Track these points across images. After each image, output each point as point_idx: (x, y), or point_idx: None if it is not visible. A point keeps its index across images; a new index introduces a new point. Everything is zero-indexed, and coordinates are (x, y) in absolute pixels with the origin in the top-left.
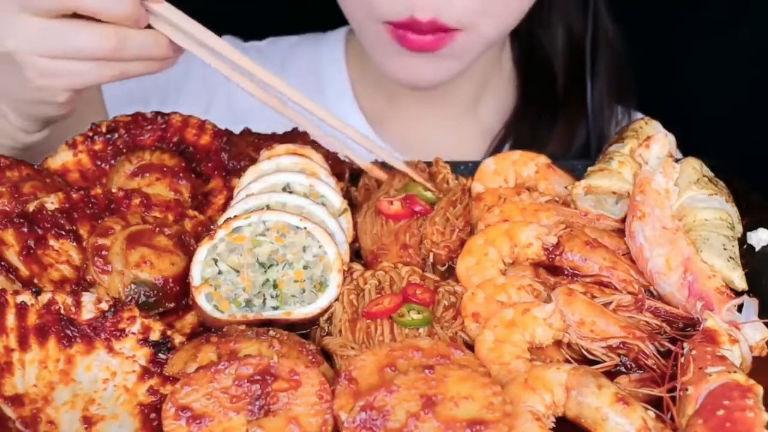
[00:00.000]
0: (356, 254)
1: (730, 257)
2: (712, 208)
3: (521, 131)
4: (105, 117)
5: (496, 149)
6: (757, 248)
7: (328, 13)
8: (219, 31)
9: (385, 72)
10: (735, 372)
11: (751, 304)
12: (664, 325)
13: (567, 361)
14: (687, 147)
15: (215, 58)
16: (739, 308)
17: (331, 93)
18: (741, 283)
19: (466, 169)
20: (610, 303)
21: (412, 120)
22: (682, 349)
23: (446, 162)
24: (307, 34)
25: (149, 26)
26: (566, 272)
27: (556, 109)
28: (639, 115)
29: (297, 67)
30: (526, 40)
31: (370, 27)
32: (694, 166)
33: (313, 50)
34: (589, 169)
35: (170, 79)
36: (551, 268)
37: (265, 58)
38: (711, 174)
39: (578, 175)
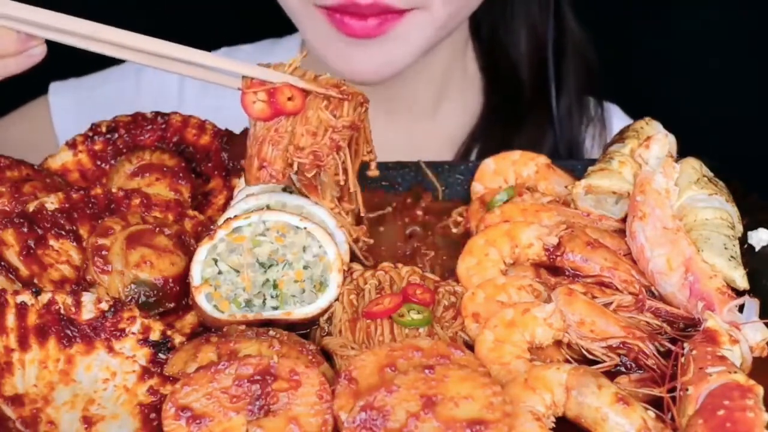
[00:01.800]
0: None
1: (731, 256)
2: (712, 208)
3: (488, 137)
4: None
5: (463, 155)
6: (757, 248)
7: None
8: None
9: (329, 66)
10: (735, 372)
11: (752, 304)
12: (664, 325)
13: (567, 361)
14: (686, 147)
15: (81, 40)
16: (741, 309)
17: None
18: (742, 283)
19: (466, 169)
20: (611, 303)
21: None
22: (683, 349)
23: (446, 162)
24: (262, 41)
25: None
26: (567, 273)
27: (522, 114)
28: (612, 106)
29: None
30: (489, 44)
31: (306, 13)
32: (693, 166)
33: (269, 58)
34: (590, 168)
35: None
36: (552, 269)
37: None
38: (710, 174)
39: (578, 175)
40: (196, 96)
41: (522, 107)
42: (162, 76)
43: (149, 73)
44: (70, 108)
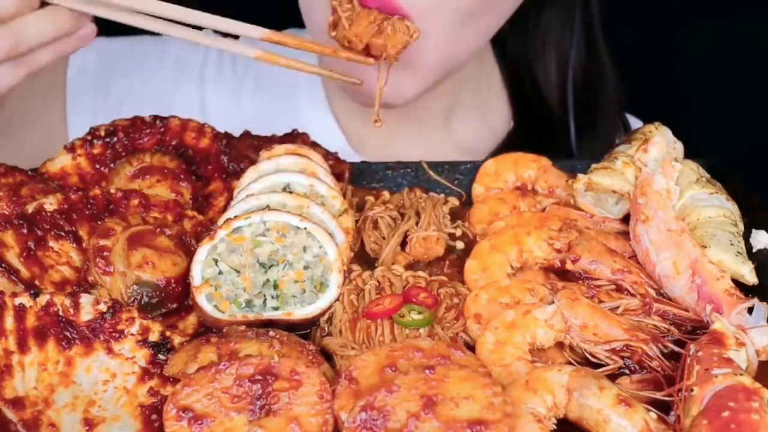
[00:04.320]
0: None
1: (738, 252)
2: (714, 206)
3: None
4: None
5: None
6: (755, 250)
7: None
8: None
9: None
10: (741, 375)
11: (761, 308)
12: (672, 327)
13: (569, 363)
14: (686, 147)
15: (129, 15)
16: (749, 311)
17: (303, 97)
18: (752, 277)
19: (467, 169)
20: (618, 307)
21: (389, 131)
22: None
23: (446, 162)
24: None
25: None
26: (578, 275)
27: (550, 145)
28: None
29: (272, 71)
30: (516, 69)
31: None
32: (692, 167)
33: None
34: (593, 165)
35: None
36: (562, 273)
37: (240, 62)
38: (708, 176)
39: None
40: (215, 72)
41: (551, 138)
42: (185, 52)
43: (173, 49)
44: (89, 67)
